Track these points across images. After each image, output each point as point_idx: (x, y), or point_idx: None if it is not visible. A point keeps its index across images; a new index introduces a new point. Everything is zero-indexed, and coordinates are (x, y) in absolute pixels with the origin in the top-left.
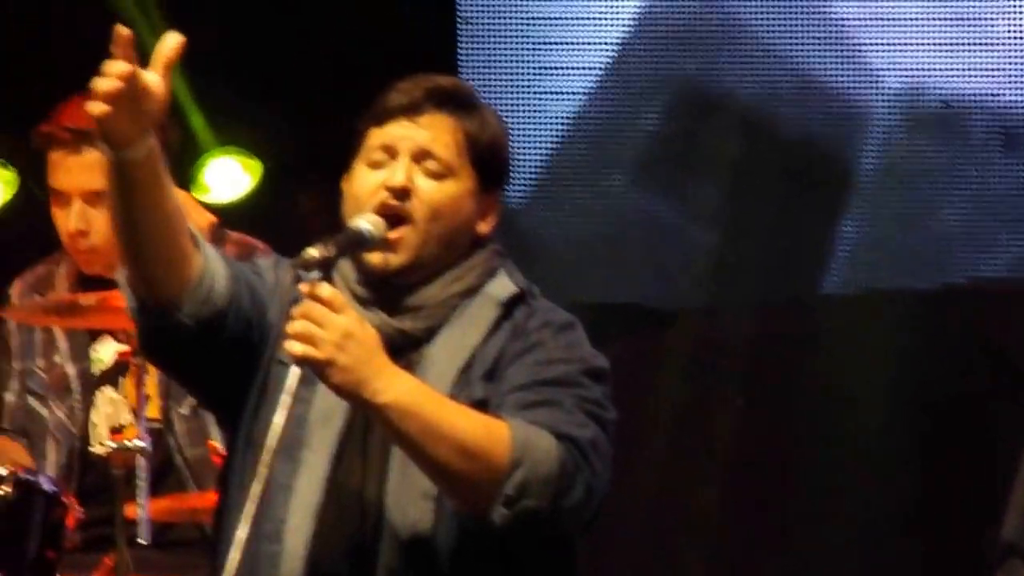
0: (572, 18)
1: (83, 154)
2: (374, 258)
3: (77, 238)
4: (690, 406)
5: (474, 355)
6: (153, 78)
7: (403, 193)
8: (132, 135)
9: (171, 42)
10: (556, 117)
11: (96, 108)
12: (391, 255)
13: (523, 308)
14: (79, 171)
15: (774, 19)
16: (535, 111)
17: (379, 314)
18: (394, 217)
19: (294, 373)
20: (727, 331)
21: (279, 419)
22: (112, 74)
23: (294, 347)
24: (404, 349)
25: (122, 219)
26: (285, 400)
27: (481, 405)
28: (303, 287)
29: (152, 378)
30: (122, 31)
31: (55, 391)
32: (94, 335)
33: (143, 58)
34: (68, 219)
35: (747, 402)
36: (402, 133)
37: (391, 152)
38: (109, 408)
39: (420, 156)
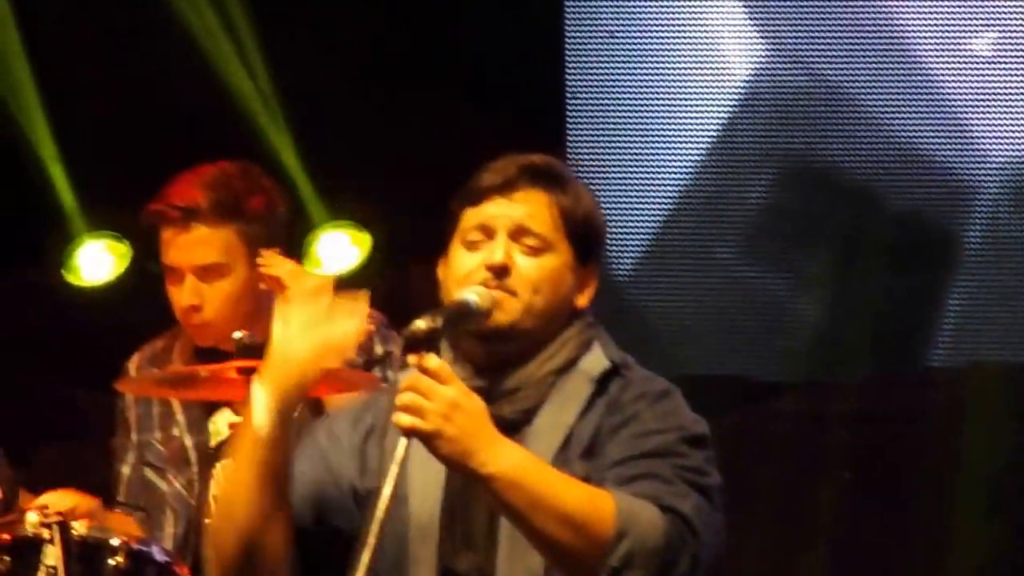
0: (679, 95)
1: (192, 231)
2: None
3: (190, 313)
4: (795, 479)
5: (571, 434)
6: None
7: (503, 271)
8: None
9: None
10: (664, 193)
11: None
12: (497, 312)
13: (617, 381)
14: (189, 247)
15: (880, 94)
16: (643, 187)
17: None
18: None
19: (402, 443)
20: (833, 404)
21: (387, 490)
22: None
23: (402, 419)
24: (504, 434)
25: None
26: (393, 471)
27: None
28: (411, 359)
29: None
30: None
31: (173, 463)
32: (212, 407)
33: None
34: (181, 295)
35: (853, 476)
36: (498, 211)
37: (488, 231)
38: None
39: (517, 233)
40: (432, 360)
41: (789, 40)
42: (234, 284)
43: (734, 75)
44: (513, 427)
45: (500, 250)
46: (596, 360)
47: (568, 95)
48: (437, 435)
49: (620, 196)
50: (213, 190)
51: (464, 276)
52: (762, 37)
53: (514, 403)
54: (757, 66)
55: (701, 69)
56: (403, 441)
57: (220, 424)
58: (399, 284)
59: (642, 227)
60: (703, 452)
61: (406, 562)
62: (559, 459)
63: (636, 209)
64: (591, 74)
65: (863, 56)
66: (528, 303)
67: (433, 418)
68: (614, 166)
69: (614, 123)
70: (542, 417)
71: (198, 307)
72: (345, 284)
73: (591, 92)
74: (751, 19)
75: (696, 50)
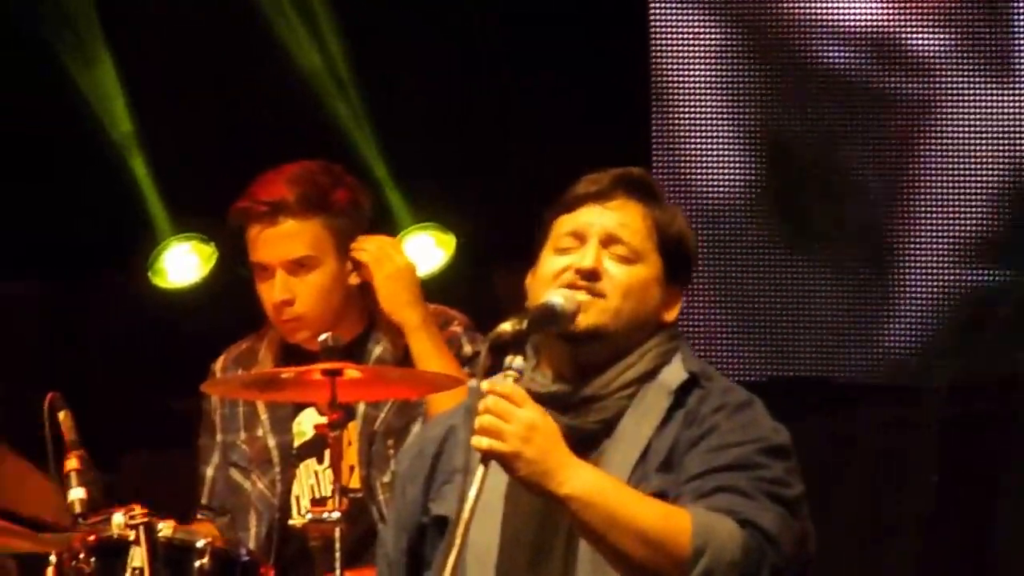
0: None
1: (280, 225)
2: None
3: (282, 308)
4: (883, 483)
5: (648, 446)
6: None
7: (592, 275)
8: None
9: None
10: (749, 196)
11: None
12: (583, 314)
13: (696, 392)
14: (279, 242)
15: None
16: (728, 188)
17: (553, 414)
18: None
19: (480, 468)
20: (922, 408)
21: (472, 492)
22: None
23: (480, 441)
24: (580, 445)
25: None
26: (479, 474)
27: (658, 497)
28: (484, 384)
29: (353, 448)
30: None
31: (257, 464)
32: (297, 408)
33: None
34: (272, 291)
35: (942, 480)
36: (591, 218)
37: (580, 237)
38: (311, 480)
39: (609, 241)
40: (507, 384)
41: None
42: (324, 277)
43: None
44: (594, 438)
45: (591, 254)
46: (676, 371)
47: (654, 107)
48: (516, 457)
49: (706, 194)
50: (298, 185)
51: (552, 277)
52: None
53: (594, 413)
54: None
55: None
56: (481, 467)
57: (304, 424)
58: (483, 287)
59: (728, 228)
60: (784, 463)
61: None
62: (637, 472)
63: (721, 208)
64: (677, 78)
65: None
66: (616, 307)
67: (512, 440)
68: (699, 170)
69: (700, 127)
70: (622, 429)
71: (290, 301)
72: (431, 286)
73: (677, 97)
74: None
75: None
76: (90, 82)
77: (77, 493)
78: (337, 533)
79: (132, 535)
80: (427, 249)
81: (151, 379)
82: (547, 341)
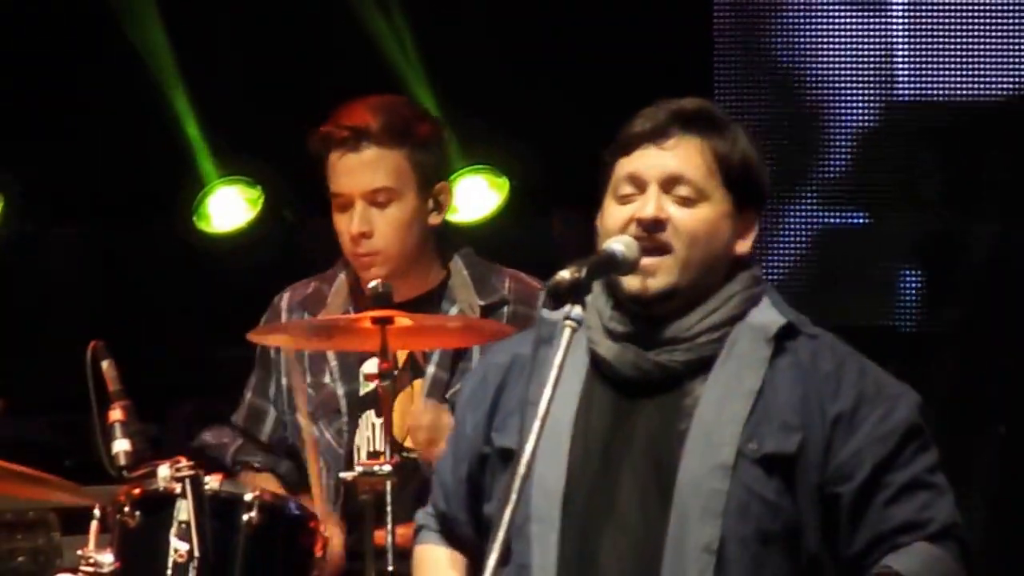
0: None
1: (363, 152)
2: (632, 284)
3: (359, 240)
4: (949, 433)
5: (756, 403)
6: None
7: (655, 225)
8: None
9: None
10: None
11: None
12: (650, 279)
13: (803, 342)
14: (360, 170)
15: None
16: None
17: (635, 349)
18: (652, 249)
19: (545, 396)
20: (989, 357)
21: (529, 447)
22: None
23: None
24: (663, 384)
25: None
26: (535, 427)
27: (775, 459)
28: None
29: (417, 409)
30: None
31: (324, 412)
32: (364, 355)
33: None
34: (350, 221)
35: (1009, 430)
36: (649, 162)
37: (639, 183)
38: (368, 432)
39: (669, 183)
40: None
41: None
42: (404, 211)
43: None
44: (675, 378)
45: (652, 203)
46: (768, 316)
47: (716, 44)
48: None
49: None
50: (383, 113)
51: (616, 229)
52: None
53: (673, 354)
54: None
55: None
56: (546, 394)
57: (369, 370)
58: (538, 230)
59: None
60: (925, 438)
61: (528, 523)
62: (748, 428)
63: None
64: (740, 30)
65: None
66: (685, 258)
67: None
68: (762, 104)
69: (764, 81)
70: (719, 376)
71: (368, 234)
72: (484, 230)
73: (740, 47)
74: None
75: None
76: (135, 26)
77: (122, 445)
78: (388, 486)
79: (178, 488)
80: (480, 192)
81: (197, 327)
82: (614, 283)
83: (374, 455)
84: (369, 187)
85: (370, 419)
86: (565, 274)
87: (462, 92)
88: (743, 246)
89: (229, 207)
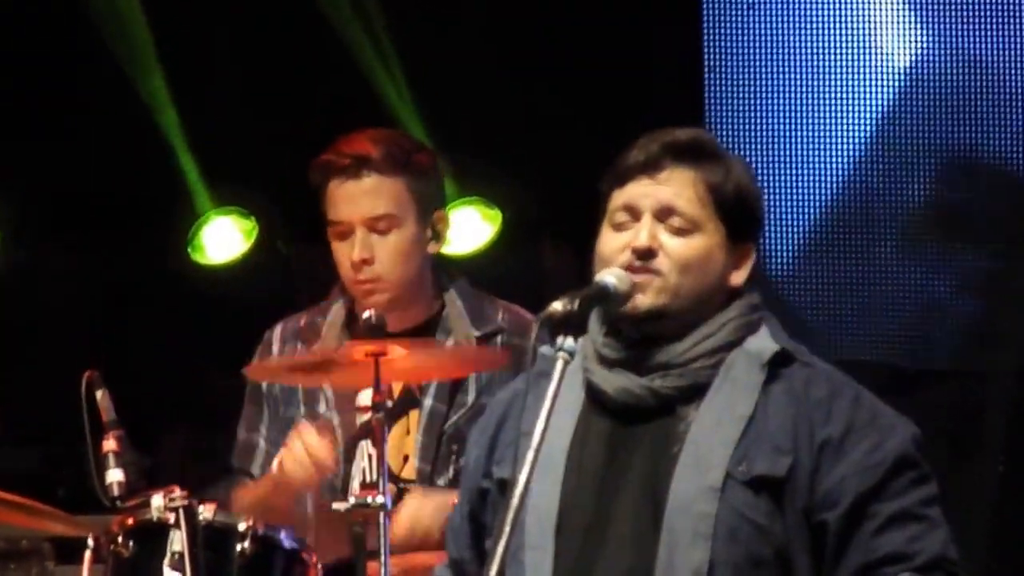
0: (836, 87)
1: (363, 179)
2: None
3: (360, 267)
4: (948, 470)
5: (747, 427)
6: None
7: (648, 253)
8: None
9: None
10: (818, 187)
11: None
12: (639, 295)
13: (797, 369)
14: (361, 197)
15: None
16: (795, 180)
17: (627, 375)
18: (641, 271)
19: (539, 428)
20: (989, 395)
21: (522, 477)
22: None
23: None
24: (657, 410)
25: None
26: (533, 447)
27: (764, 481)
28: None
29: (411, 438)
30: None
31: None
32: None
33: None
34: (350, 249)
35: (1008, 467)
36: (643, 191)
37: (633, 212)
38: (364, 463)
39: (663, 214)
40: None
41: (950, 31)
42: (404, 239)
43: (893, 65)
44: (668, 404)
45: (645, 232)
46: (765, 342)
47: (707, 73)
48: None
49: (773, 194)
50: (383, 143)
51: (609, 257)
52: (921, 26)
53: (666, 379)
54: (917, 56)
55: (859, 60)
56: (540, 423)
57: (363, 401)
58: (529, 262)
59: (793, 220)
60: (921, 471)
61: (522, 551)
62: (739, 450)
63: (788, 203)
64: (732, 57)
65: None
66: (674, 284)
67: None
68: (753, 139)
69: (756, 110)
70: (712, 400)
71: (369, 260)
72: (477, 261)
73: (732, 77)
74: (910, 8)
75: (853, 40)
76: (129, 57)
77: (115, 475)
78: (382, 519)
79: (172, 518)
80: (473, 223)
81: (191, 358)
82: (615, 316)
83: (368, 486)
84: (370, 214)
85: (366, 449)
86: (558, 306)
87: (454, 124)
88: (738, 277)
89: (224, 238)
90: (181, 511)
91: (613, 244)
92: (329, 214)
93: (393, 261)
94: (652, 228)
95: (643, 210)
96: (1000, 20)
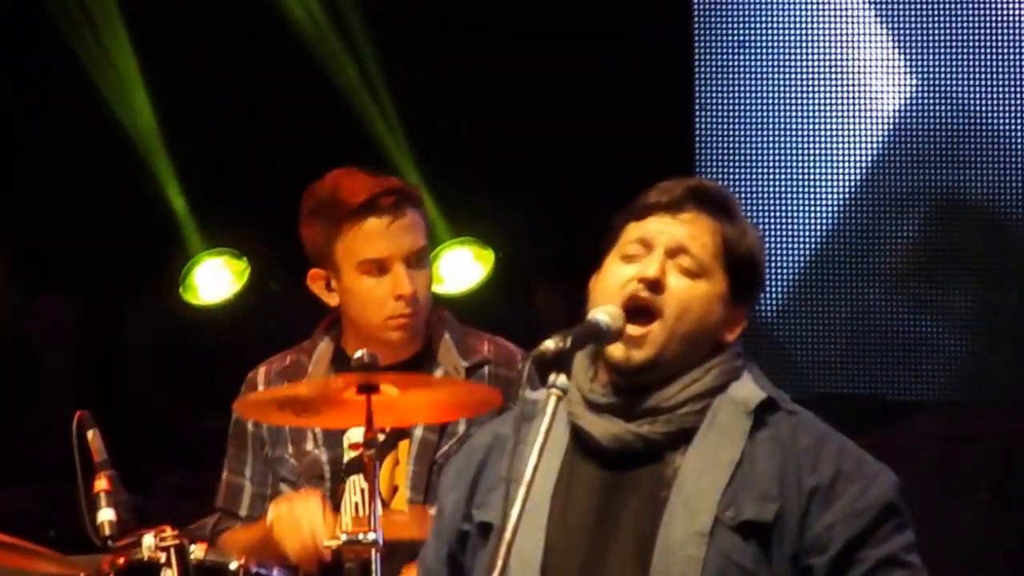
0: (825, 130)
1: (406, 214)
2: (616, 352)
3: (409, 301)
4: (932, 500)
5: (735, 473)
6: None
7: (655, 285)
8: None
9: None
10: (805, 225)
11: None
12: (635, 350)
13: (782, 417)
14: (403, 232)
15: None
16: (781, 219)
17: (614, 420)
18: (643, 311)
19: (530, 466)
20: (973, 426)
21: (514, 512)
22: None
23: None
24: (645, 456)
25: None
26: (524, 485)
27: (752, 526)
28: None
29: (403, 469)
30: None
31: (307, 479)
32: None
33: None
34: (393, 284)
35: (991, 497)
36: (660, 228)
37: (647, 245)
38: (356, 497)
39: (676, 252)
40: None
41: (938, 74)
42: (429, 272)
43: (882, 108)
44: (656, 450)
45: (655, 264)
46: (749, 389)
47: (697, 121)
48: None
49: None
50: (395, 180)
51: (616, 286)
52: (910, 71)
53: (655, 425)
54: (905, 99)
55: (848, 102)
56: (531, 461)
57: (354, 439)
58: (522, 302)
59: (782, 259)
60: (902, 518)
61: None
62: (726, 497)
63: (777, 242)
64: (722, 100)
65: (1014, 90)
66: (672, 328)
67: None
68: (745, 182)
69: (747, 153)
70: (698, 448)
71: (415, 294)
72: (469, 302)
73: (722, 120)
74: (899, 53)
75: (842, 83)
76: (119, 96)
77: (106, 515)
78: (374, 555)
79: (163, 557)
80: (465, 264)
81: (183, 398)
82: (603, 351)
83: (359, 521)
84: (413, 248)
85: (358, 484)
86: (550, 344)
87: (446, 164)
88: (730, 336)
89: (215, 279)
90: (172, 550)
91: (620, 275)
92: (363, 252)
93: (427, 294)
94: (663, 262)
95: (657, 245)
96: (987, 64)
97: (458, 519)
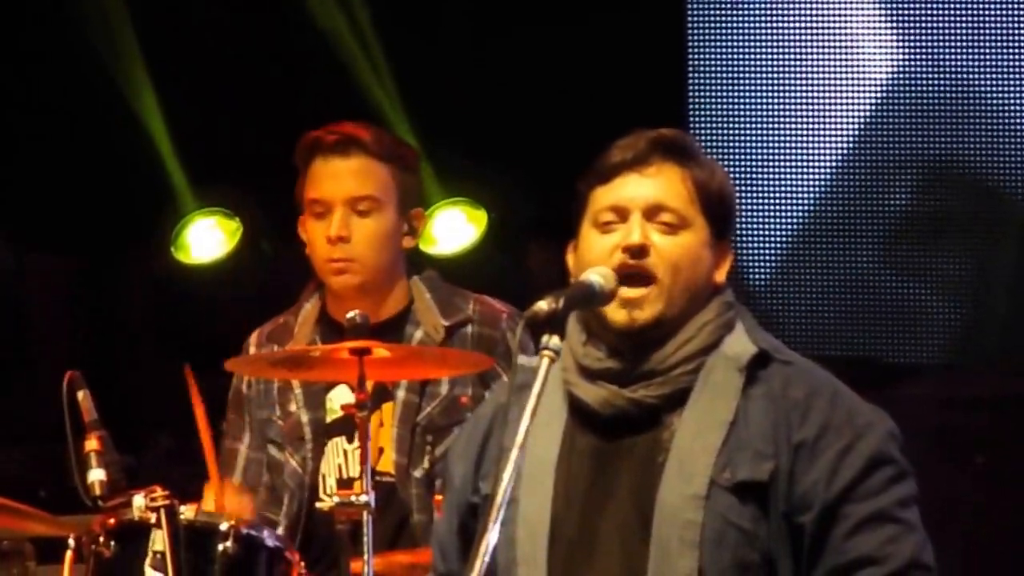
0: (815, 98)
1: (351, 158)
2: (618, 316)
3: (336, 243)
4: (928, 463)
5: (729, 433)
6: None
7: (641, 251)
8: None
9: None
10: (798, 193)
11: None
12: (636, 311)
13: (775, 370)
14: (346, 176)
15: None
16: (775, 187)
17: (608, 387)
18: (636, 277)
19: (522, 430)
20: (969, 388)
21: (506, 475)
22: None
23: None
24: (642, 420)
25: None
26: (516, 447)
27: (748, 487)
28: None
29: (387, 431)
30: None
31: (290, 440)
32: (330, 383)
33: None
34: (328, 227)
35: (987, 460)
36: (631, 190)
37: (621, 212)
38: (339, 459)
39: (652, 211)
40: None
41: (928, 41)
42: (382, 225)
43: (872, 76)
44: (654, 413)
45: (636, 231)
46: (741, 344)
47: (689, 72)
48: None
49: (754, 197)
50: (373, 130)
51: (600, 259)
52: (901, 37)
53: (649, 388)
54: (895, 67)
55: (838, 70)
56: (522, 429)
57: (336, 401)
58: (515, 262)
59: (775, 226)
60: (897, 467)
61: (514, 565)
62: (722, 457)
63: (770, 209)
64: (714, 65)
65: (1004, 56)
66: (669, 286)
67: None
68: (738, 137)
69: (738, 118)
70: (693, 407)
71: (346, 238)
72: (462, 262)
73: (714, 86)
74: (890, 19)
75: (833, 51)
76: (113, 56)
77: (97, 475)
78: (365, 517)
79: (153, 518)
80: (458, 225)
81: (174, 358)
82: (597, 316)
83: (346, 482)
84: (353, 193)
85: (340, 446)
86: (543, 305)
87: (440, 125)
88: (720, 275)
89: (207, 238)
90: (163, 511)
91: (601, 246)
92: (309, 192)
93: (369, 244)
94: (643, 226)
95: (632, 209)
96: (977, 30)
97: (467, 492)
